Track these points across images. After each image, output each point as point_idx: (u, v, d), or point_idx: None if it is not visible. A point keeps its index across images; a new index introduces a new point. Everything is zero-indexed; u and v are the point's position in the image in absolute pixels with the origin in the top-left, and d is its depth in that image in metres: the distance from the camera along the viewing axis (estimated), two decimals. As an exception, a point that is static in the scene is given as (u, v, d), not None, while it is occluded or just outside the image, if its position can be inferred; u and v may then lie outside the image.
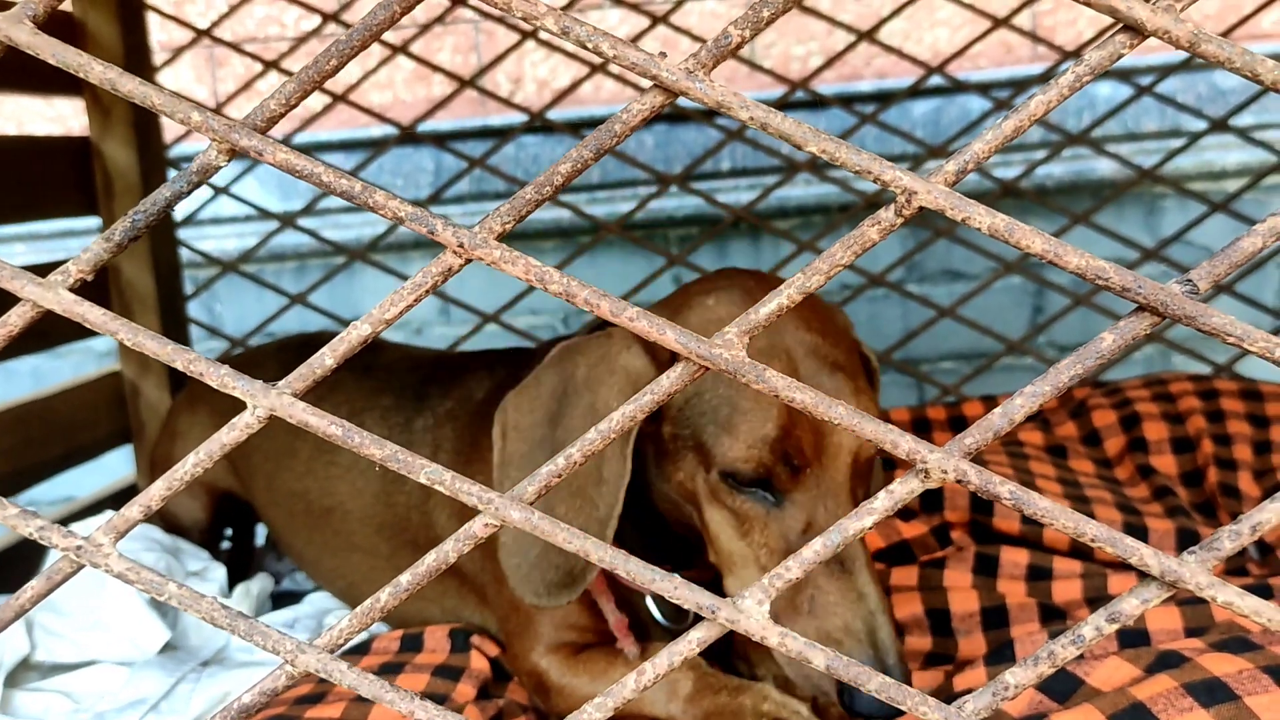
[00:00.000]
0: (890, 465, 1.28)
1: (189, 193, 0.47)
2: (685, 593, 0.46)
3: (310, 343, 1.43)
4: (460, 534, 0.47)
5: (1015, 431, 1.38)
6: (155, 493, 0.48)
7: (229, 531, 1.54)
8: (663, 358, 0.88)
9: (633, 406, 0.46)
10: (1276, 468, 1.23)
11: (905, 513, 1.19)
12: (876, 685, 0.47)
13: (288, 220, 1.80)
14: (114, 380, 1.64)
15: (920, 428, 1.48)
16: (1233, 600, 0.44)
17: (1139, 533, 1.11)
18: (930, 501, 1.19)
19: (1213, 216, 1.77)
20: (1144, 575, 0.45)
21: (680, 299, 0.93)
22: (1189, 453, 1.30)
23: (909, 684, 0.77)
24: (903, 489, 0.45)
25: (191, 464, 0.47)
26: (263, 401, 0.46)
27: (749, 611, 0.46)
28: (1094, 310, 1.74)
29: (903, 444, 0.45)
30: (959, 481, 0.45)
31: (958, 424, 1.47)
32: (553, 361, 0.92)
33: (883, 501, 0.46)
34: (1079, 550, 1.12)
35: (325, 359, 0.47)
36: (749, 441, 0.82)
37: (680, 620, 1.00)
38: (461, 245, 0.45)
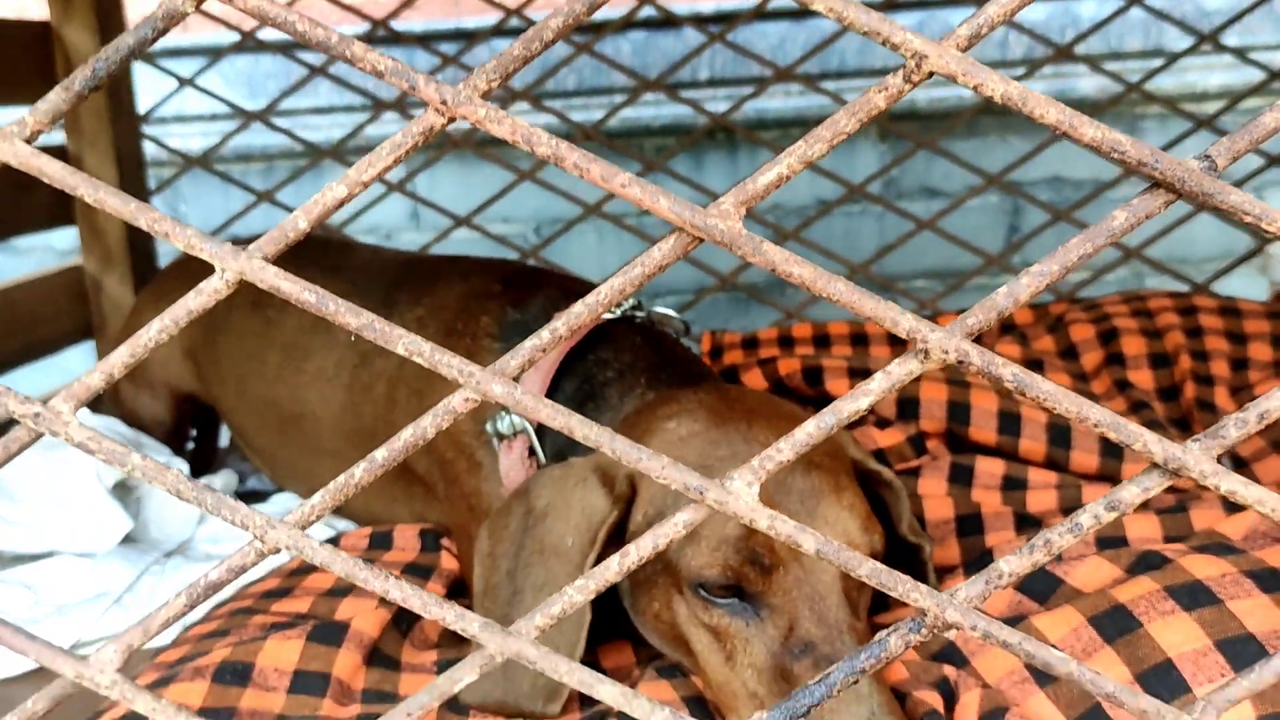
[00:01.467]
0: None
1: (154, 40, 0.44)
2: (672, 472, 0.45)
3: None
4: (440, 408, 0.45)
5: (992, 344, 1.37)
6: (117, 360, 0.45)
7: (194, 433, 1.52)
8: (621, 492, 0.82)
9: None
10: (1253, 384, 1.23)
11: (881, 421, 1.18)
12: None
13: (255, 116, 1.75)
14: (75, 274, 1.60)
15: (896, 343, 1.47)
16: (1236, 488, 0.43)
17: (1114, 447, 1.11)
18: (906, 410, 1.18)
19: (1194, 136, 1.75)
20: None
21: (643, 422, 0.87)
22: (1166, 368, 1.29)
23: None
24: (901, 369, 0.43)
25: (156, 330, 0.45)
26: (231, 264, 0.44)
27: (738, 493, 0.45)
28: (1072, 225, 1.72)
29: (903, 322, 0.43)
30: (960, 362, 0.43)
31: (934, 337, 1.46)
32: (521, 489, 0.88)
33: (879, 382, 0.44)
34: (1054, 462, 1.11)
35: (299, 221, 0.44)
36: (712, 544, 0.77)
37: None
38: (445, 103, 0.42)
